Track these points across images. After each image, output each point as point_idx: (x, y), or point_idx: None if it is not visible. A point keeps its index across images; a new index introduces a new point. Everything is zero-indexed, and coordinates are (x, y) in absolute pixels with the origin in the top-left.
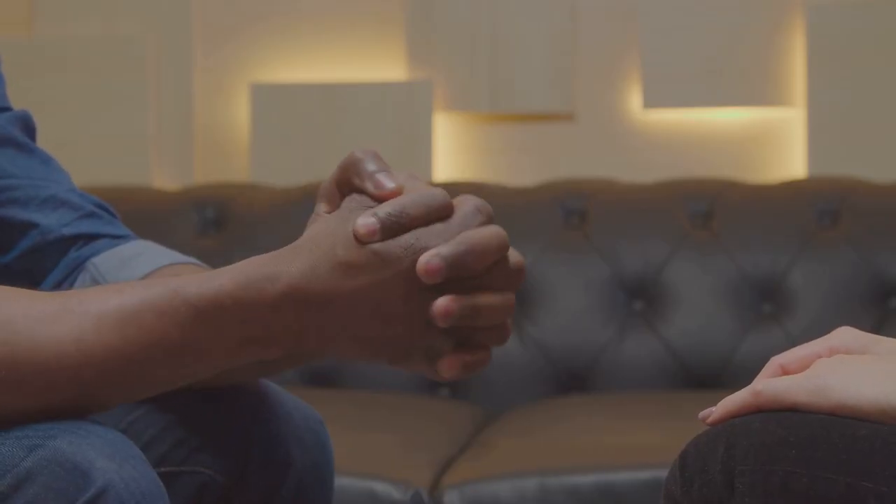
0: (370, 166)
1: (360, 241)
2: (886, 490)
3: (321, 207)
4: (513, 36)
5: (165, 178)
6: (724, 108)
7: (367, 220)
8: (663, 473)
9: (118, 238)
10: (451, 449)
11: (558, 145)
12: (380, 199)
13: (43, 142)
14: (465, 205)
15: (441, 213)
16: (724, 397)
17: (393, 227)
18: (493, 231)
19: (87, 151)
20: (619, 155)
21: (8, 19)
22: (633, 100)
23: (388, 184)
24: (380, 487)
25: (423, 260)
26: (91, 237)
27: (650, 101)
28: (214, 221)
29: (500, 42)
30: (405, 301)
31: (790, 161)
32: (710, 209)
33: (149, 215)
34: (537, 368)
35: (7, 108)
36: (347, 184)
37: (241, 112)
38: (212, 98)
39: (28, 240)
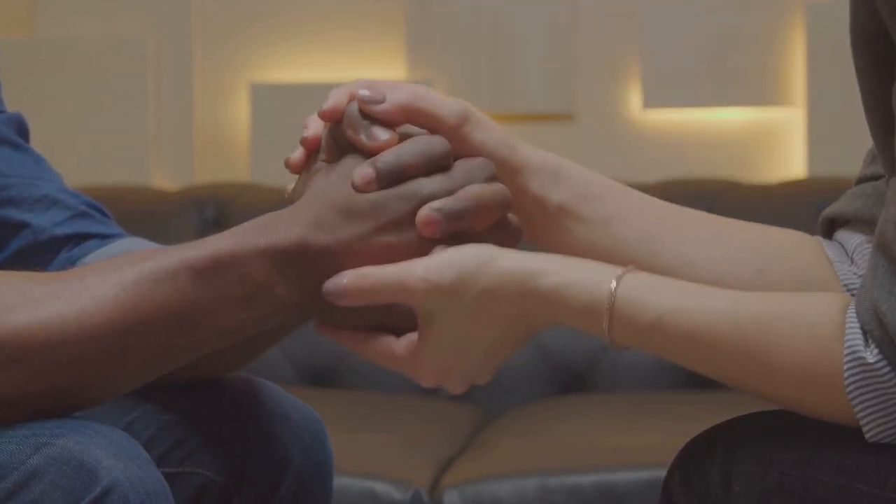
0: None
1: (358, 190)
2: (879, 492)
3: (320, 161)
4: (513, 36)
5: (165, 178)
6: (724, 108)
7: (364, 171)
8: (663, 473)
9: (108, 237)
10: (451, 449)
11: (558, 145)
12: (375, 152)
13: (42, 142)
14: (471, 159)
15: (441, 163)
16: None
17: (390, 177)
18: (496, 188)
19: (87, 151)
20: (619, 155)
21: (8, 19)
22: (633, 100)
23: (382, 136)
24: (380, 487)
25: (423, 213)
26: (82, 237)
27: (650, 101)
28: (214, 221)
29: (500, 42)
30: (406, 251)
31: (790, 161)
32: (710, 209)
33: (149, 215)
34: (537, 368)
35: (1, 111)
36: (343, 136)
37: (241, 112)
38: (212, 98)
39: (20, 240)
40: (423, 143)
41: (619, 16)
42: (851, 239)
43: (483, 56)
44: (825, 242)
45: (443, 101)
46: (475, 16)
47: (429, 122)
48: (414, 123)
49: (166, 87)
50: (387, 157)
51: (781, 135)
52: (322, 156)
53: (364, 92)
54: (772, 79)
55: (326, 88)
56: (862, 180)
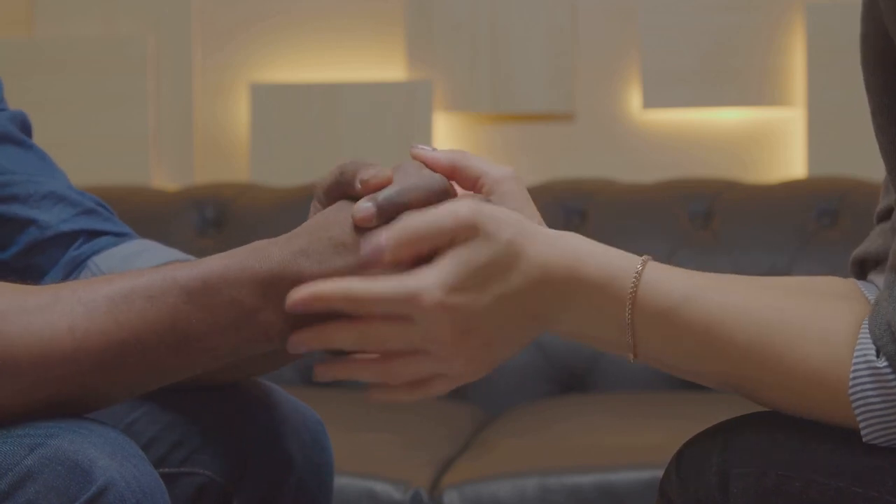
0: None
1: (358, 225)
2: (876, 495)
3: (315, 205)
4: (513, 36)
5: (165, 178)
6: (724, 108)
7: (364, 206)
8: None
9: (120, 236)
10: (451, 449)
11: (558, 145)
12: (375, 189)
13: (43, 142)
14: (465, 196)
15: (439, 199)
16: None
17: (390, 212)
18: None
19: (87, 151)
20: (619, 155)
21: (8, 19)
22: (633, 100)
23: (381, 173)
24: (380, 487)
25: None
26: (91, 234)
27: (650, 101)
28: (214, 221)
29: (500, 42)
30: None
31: (790, 161)
32: (710, 209)
33: (149, 215)
34: (537, 368)
35: (2, 109)
36: (339, 190)
37: (240, 112)
38: (212, 98)
39: (27, 236)
40: (424, 179)
41: (619, 16)
42: (882, 279)
43: (483, 56)
44: (861, 284)
45: (490, 162)
46: (475, 16)
47: (474, 178)
48: (460, 178)
49: (166, 87)
50: (387, 193)
51: (781, 135)
52: (317, 205)
53: (418, 147)
54: (772, 79)
55: (326, 88)
56: (881, 214)
